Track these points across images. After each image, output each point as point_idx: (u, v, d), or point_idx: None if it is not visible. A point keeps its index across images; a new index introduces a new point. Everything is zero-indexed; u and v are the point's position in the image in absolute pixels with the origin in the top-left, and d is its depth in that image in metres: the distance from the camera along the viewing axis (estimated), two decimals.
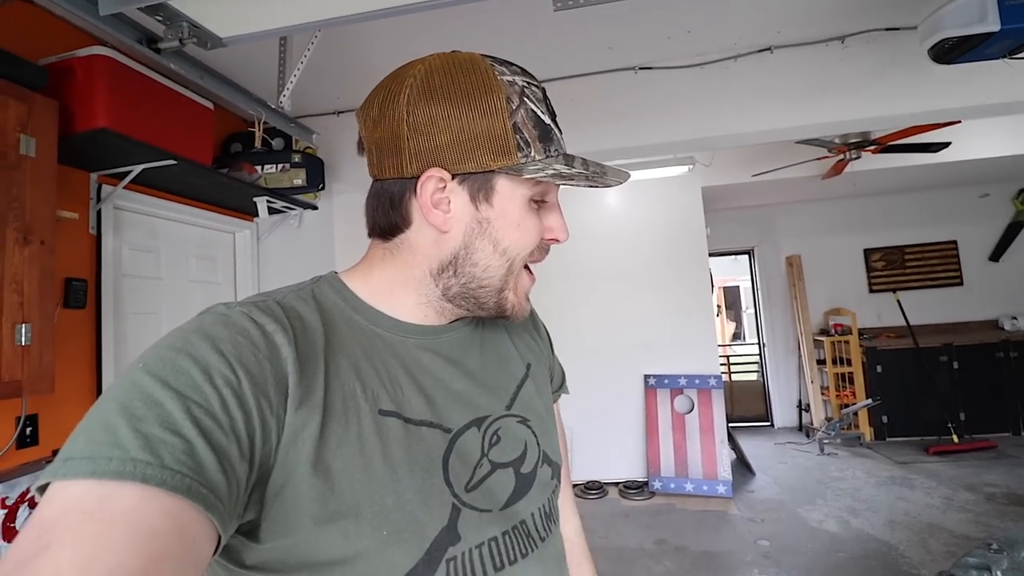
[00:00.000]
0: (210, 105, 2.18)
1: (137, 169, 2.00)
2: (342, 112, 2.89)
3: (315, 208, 2.95)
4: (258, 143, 2.11)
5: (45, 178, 1.60)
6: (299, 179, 2.53)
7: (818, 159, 3.79)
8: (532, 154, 0.49)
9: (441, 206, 0.50)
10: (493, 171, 0.49)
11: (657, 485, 3.77)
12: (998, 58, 1.90)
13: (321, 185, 2.70)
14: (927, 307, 5.25)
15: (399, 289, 0.54)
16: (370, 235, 0.56)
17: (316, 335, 0.47)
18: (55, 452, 1.70)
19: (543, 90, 0.53)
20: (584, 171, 0.50)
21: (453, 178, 0.49)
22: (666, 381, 3.95)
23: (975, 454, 4.19)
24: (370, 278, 0.54)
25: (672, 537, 3.07)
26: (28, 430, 1.75)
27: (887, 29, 2.38)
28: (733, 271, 9.48)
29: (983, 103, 2.35)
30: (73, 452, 0.34)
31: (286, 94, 1.72)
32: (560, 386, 0.74)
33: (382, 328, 0.52)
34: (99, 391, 2.02)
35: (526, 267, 0.55)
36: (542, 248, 0.55)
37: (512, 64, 0.52)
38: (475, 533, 0.47)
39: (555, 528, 0.56)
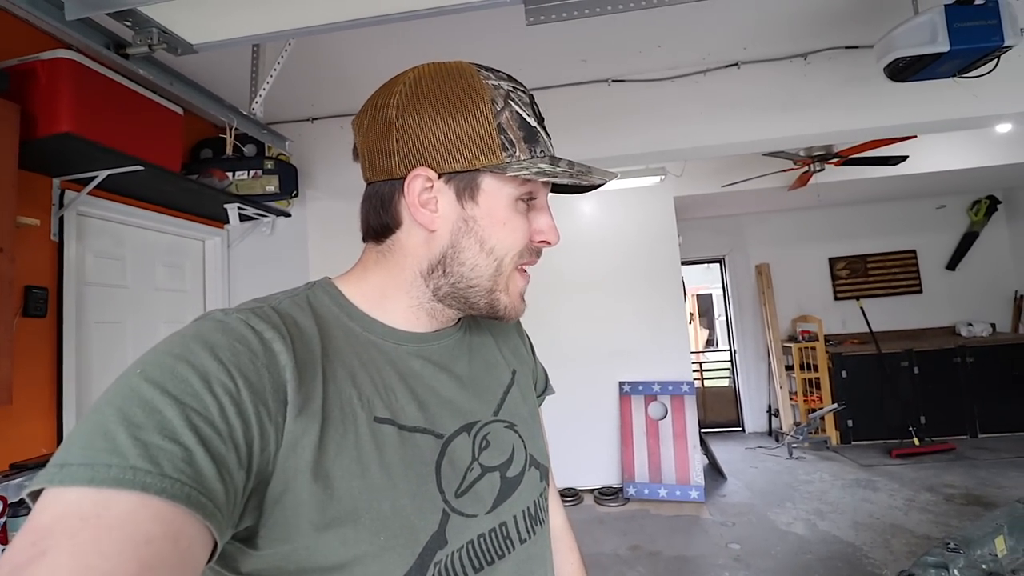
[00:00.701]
0: (179, 110, 2.14)
1: (102, 175, 1.95)
2: (316, 119, 2.88)
3: (288, 215, 2.92)
4: (229, 150, 2.09)
5: (4, 183, 1.55)
6: (271, 186, 2.51)
7: (784, 171, 3.92)
8: (517, 154, 0.50)
9: (429, 205, 0.51)
10: (479, 170, 0.50)
11: (631, 491, 3.80)
12: (949, 76, 2.01)
13: (295, 192, 2.67)
14: (889, 314, 5.45)
15: (392, 292, 0.54)
16: (364, 239, 0.57)
17: (313, 342, 0.47)
18: (12, 466, 1.63)
19: (531, 96, 0.54)
20: (569, 170, 0.51)
21: (440, 177, 0.51)
22: (640, 388, 4.01)
23: (935, 456, 4.35)
24: (363, 282, 0.55)
25: (646, 542, 3.10)
26: None
27: (846, 47, 2.49)
28: (706, 279, 9.67)
29: (936, 119, 2.48)
30: (69, 458, 0.33)
31: (259, 101, 1.70)
32: (544, 388, 0.75)
33: (376, 335, 0.53)
34: (60, 402, 1.95)
35: (520, 269, 0.56)
36: (532, 250, 0.56)
37: (498, 71, 0.53)
38: (459, 537, 0.48)
39: (540, 530, 0.57)
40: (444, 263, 0.52)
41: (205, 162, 2.56)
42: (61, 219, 2.01)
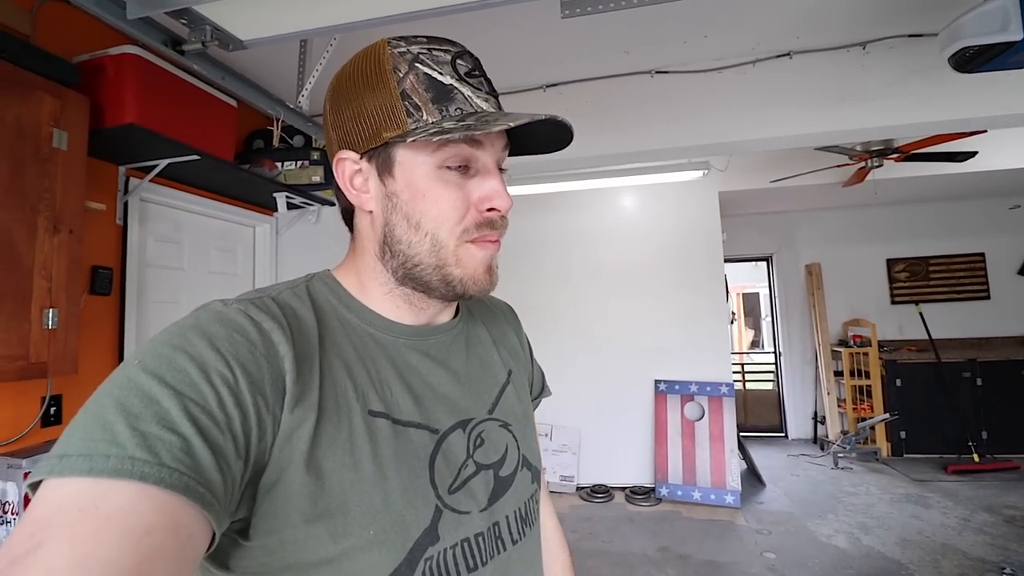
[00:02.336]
0: (233, 103, 2.25)
1: (163, 163, 2.08)
2: None
3: (332, 204, 3.02)
4: (276, 141, 2.18)
5: (75, 170, 1.68)
6: (317, 176, 2.60)
7: (838, 166, 3.72)
8: (424, 117, 0.48)
9: (362, 187, 0.52)
10: (388, 143, 0.50)
11: (664, 492, 3.74)
12: (1022, 67, 1.86)
13: None
14: (951, 321, 5.10)
15: (365, 279, 0.55)
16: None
17: (311, 333, 0.47)
18: None
19: (458, 53, 0.51)
20: (471, 123, 0.47)
21: (362, 157, 0.51)
22: (677, 387, 3.93)
23: (996, 474, 4.06)
24: (349, 272, 0.56)
25: (676, 545, 3.06)
26: (52, 409, 1.84)
27: (909, 36, 2.34)
28: (752, 278, 9.34)
29: (1008, 113, 2.30)
30: (69, 449, 0.33)
31: (304, 94, 1.77)
32: (541, 391, 0.75)
33: (374, 327, 0.53)
34: None
35: (476, 241, 0.52)
36: (482, 221, 0.52)
37: (419, 36, 0.51)
38: (452, 534, 0.48)
39: (530, 531, 0.57)
40: (388, 243, 0.52)
41: (257, 152, 2.68)
42: (126, 204, 2.16)
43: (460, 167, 0.51)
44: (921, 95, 2.36)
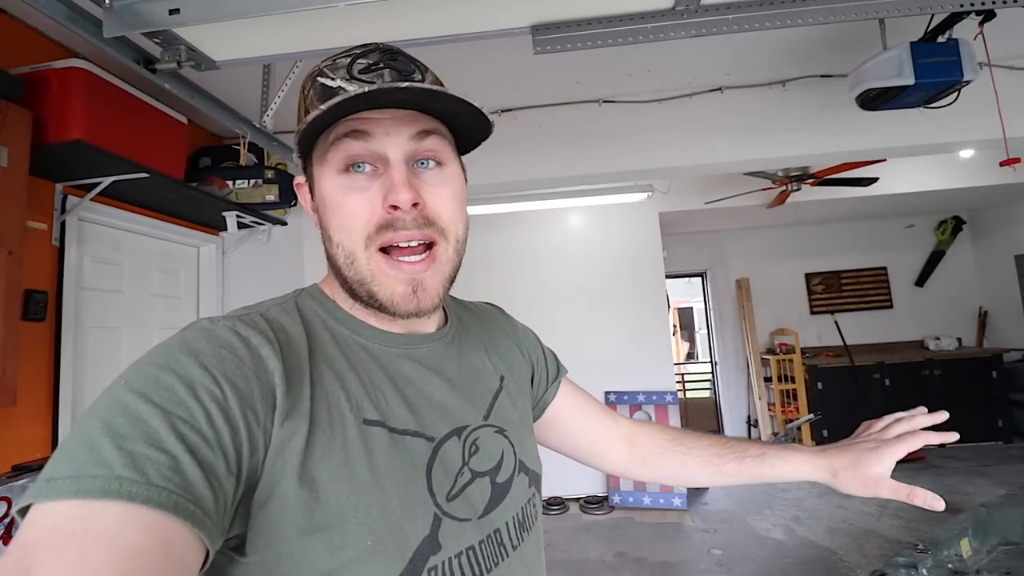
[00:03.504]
0: (183, 119, 2.19)
1: (107, 181, 1.99)
2: None
3: (284, 224, 2.96)
4: (243, 160, 2.14)
5: (15, 188, 1.59)
6: (271, 195, 2.55)
7: (763, 189, 4.09)
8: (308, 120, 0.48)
9: (312, 206, 0.55)
10: (308, 163, 0.53)
11: (616, 499, 3.87)
12: (915, 107, 2.17)
13: (293, 202, 2.72)
14: (861, 328, 5.67)
15: (337, 293, 0.55)
16: None
17: (301, 347, 0.47)
18: (15, 468, 1.64)
19: (361, 54, 0.50)
20: (335, 101, 0.44)
21: (306, 182, 0.55)
22: (625, 397, 4.10)
23: (905, 465, 4.52)
24: (334, 285, 0.55)
25: (631, 549, 3.17)
26: None
27: (822, 76, 2.65)
28: (687, 293, 9.89)
29: (904, 144, 2.65)
30: (56, 472, 0.33)
31: (269, 113, 1.77)
32: (558, 372, 0.75)
33: (365, 338, 0.52)
34: (56, 405, 1.96)
35: (384, 251, 0.49)
36: (384, 221, 0.48)
37: (337, 51, 0.51)
38: (454, 542, 0.47)
39: (528, 537, 0.56)
40: (328, 259, 0.53)
41: (205, 170, 2.60)
42: (63, 224, 2.03)
43: (368, 169, 0.49)
44: (832, 128, 2.67)
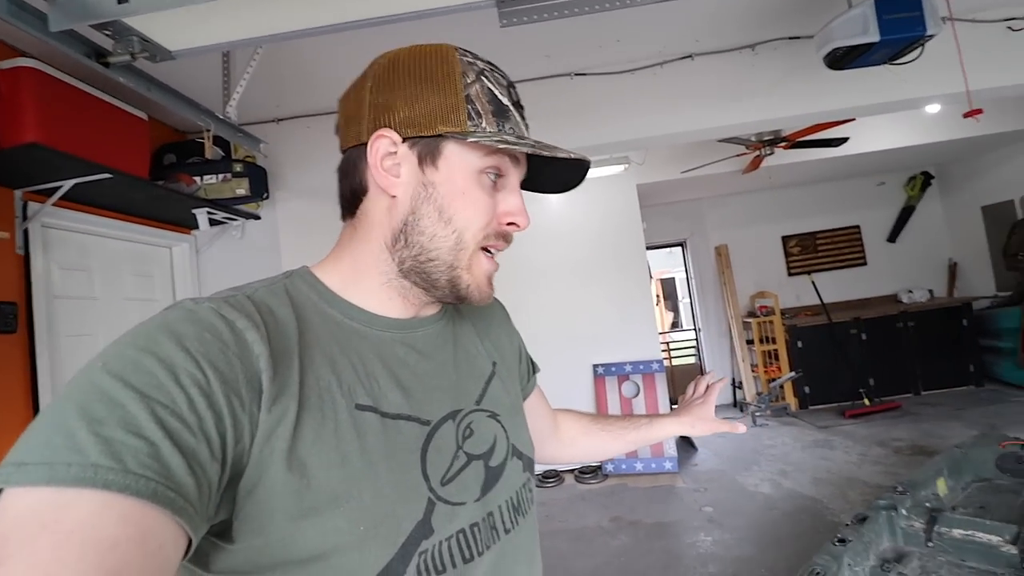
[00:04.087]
0: (144, 116, 2.11)
1: (68, 184, 1.92)
2: (283, 119, 2.86)
3: (258, 218, 2.90)
4: (208, 153, 2.07)
5: None
6: (242, 189, 2.50)
7: (738, 155, 4.12)
8: (483, 125, 0.50)
9: (392, 171, 0.51)
10: (441, 135, 0.50)
11: (610, 467, 3.96)
12: (881, 64, 2.19)
13: (265, 194, 2.66)
14: (837, 286, 5.81)
15: (363, 269, 0.54)
16: (342, 216, 0.57)
17: (289, 330, 0.46)
18: None
19: (511, 83, 0.55)
20: (533, 142, 0.51)
21: (404, 142, 0.51)
22: (613, 369, 4.16)
23: (883, 415, 4.70)
24: (339, 263, 0.55)
25: (626, 513, 3.26)
26: None
27: (789, 38, 2.66)
28: (668, 264, 9.99)
29: (871, 103, 2.69)
30: (27, 457, 0.31)
31: (232, 104, 1.71)
32: (532, 372, 0.79)
33: (357, 322, 0.52)
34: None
35: (485, 250, 0.54)
36: (500, 233, 0.54)
37: (482, 57, 0.54)
38: (447, 526, 0.47)
39: (523, 520, 0.57)
40: (405, 232, 0.51)
41: (170, 167, 2.52)
42: (26, 231, 1.96)
43: (496, 180, 0.53)
44: (802, 90, 2.69)
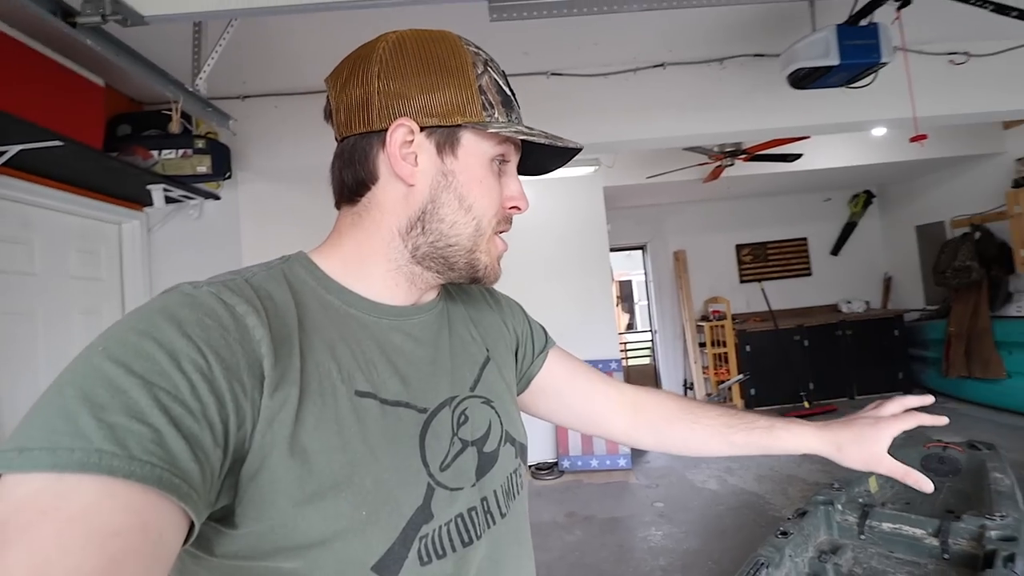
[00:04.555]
0: (101, 82, 1.99)
1: (13, 150, 1.79)
2: (249, 97, 2.75)
3: (217, 198, 2.78)
4: (176, 127, 1.97)
5: None
6: (203, 167, 2.39)
7: (700, 164, 4.27)
8: (496, 115, 0.52)
9: (409, 159, 0.51)
10: (460, 125, 0.51)
11: (566, 464, 4.04)
12: (838, 86, 2.33)
13: (228, 173, 2.56)
14: (784, 294, 6.12)
15: (369, 256, 0.54)
16: (337, 204, 0.56)
17: (289, 315, 0.46)
18: None
19: (503, 72, 0.56)
20: (544, 134, 0.54)
21: (421, 131, 0.51)
22: None
23: (821, 416, 4.94)
24: (340, 249, 0.54)
25: (581, 508, 3.34)
26: None
27: (755, 55, 2.78)
28: (625, 266, 10.24)
29: (827, 122, 2.85)
30: (29, 442, 0.31)
31: (203, 76, 1.64)
32: (545, 343, 0.76)
33: (355, 309, 0.52)
34: None
35: (497, 234, 0.57)
36: (506, 216, 0.57)
37: (480, 47, 0.56)
38: (446, 511, 0.48)
39: (515, 504, 0.58)
40: (423, 220, 0.52)
41: (124, 139, 2.38)
42: None
43: (501, 164, 0.55)
44: (764, 106, 2.82)
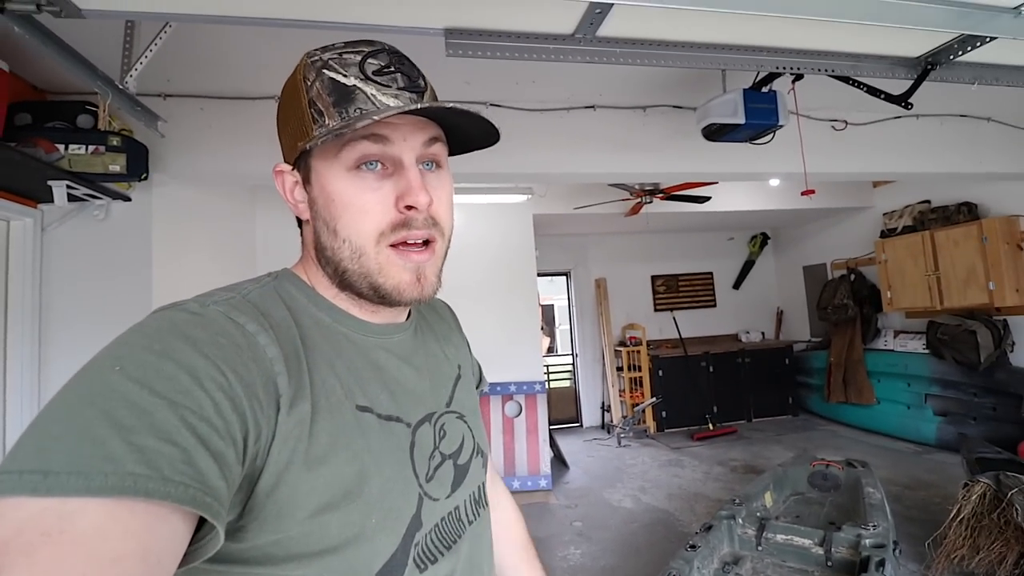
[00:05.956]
0: (4, 66, 1.81)
1: None
2: (171, 96, 2.60)
3: (128, 199, 2.58)
4: (103, 124, 1.83)
5: None
6: (117, 165, 2.22)
7: (623, 200, 4.57)
8: (326, 122, 0.48)
9: (298, 197, 0.54)
10: (306, 151, 0.50)
11: None
12: (743, 141, 2.64)
13: (144, 174, 2.39)
14: (693, 323, 6.62)
15: (315, 280, 0.55)
16: None
17: (292, 333, 0.47)
18: None
19: (371, 53, 0.50)
20: (365, 120, 0.46)
21: (293, 169, 0.53)
22: (499, 388, 4.29)
23: (723, 438, 5.40)
24: (307, 271, 0.56)
25: None
26: None
27: (674, 106, 3.08)
28: (548, 292, 10.53)
29: (733, 171, 3.19)
30: (54, 466, 0.31)
31: (133, 74, 1.56)
32: (479, 381, 0.80)
33: (344, 326, 0.53)
34: None
35: (394, 246, 0.51)
36: (402, 222, 0.50)
37: (338, 43, 0.51)
38: (431, 519, 0.52)
39: (483, 512, 0.61)
40: (319, 250, 0.53)
41: (23, 128, 2.16)
42: None
43: (379, 168, 0.50)
44: (681, 152, 3.11)
